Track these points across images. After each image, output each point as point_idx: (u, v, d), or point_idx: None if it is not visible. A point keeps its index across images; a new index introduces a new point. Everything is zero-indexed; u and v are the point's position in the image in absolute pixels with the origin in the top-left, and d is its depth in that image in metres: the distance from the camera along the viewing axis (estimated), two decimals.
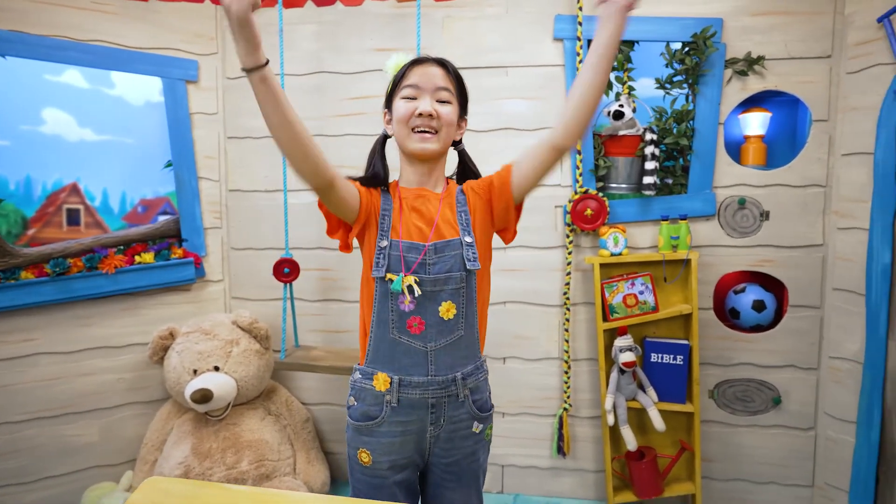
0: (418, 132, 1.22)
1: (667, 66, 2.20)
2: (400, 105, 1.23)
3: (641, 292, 2.16)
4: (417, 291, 1.18)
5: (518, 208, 1.28)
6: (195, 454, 2.10)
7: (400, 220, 1.23)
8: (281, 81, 2.13)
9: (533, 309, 2.32)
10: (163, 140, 2.45)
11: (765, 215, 2.18)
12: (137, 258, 2.27)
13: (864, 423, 2.09)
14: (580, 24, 2.14)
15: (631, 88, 2.25)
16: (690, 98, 2.19)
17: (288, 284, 2.20)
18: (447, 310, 1.22)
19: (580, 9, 2.13)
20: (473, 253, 1.22)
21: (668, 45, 2.17)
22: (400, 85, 1.24)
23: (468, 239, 1.23)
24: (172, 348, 2.21)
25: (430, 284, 1.20)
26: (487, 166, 1.37)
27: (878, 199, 2.02)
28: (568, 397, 2.32)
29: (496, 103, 2.29)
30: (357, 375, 1.28)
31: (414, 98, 1.22)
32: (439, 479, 1.29)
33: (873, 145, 2.01)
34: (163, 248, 2.33)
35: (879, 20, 1.95)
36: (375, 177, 1.27)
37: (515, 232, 1.30)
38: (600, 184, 2.26)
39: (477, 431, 1.28)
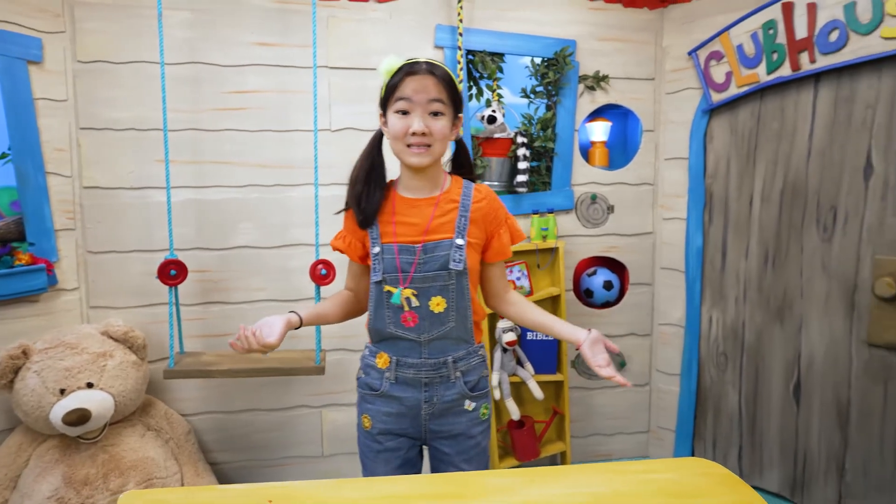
0: (412, 147, 1.27)
1: (531, 77, 2.49)
2: (394, 120, 1.28)
3: (518, 278, 2.43)
4: (415, 303, 1.30)
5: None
6: (69, 484, 1.87)
7: (393, 226, 1.31)
8: (161, 72, 1.98)
9: None
10: None
11: (610, 209, 2.59)
12: None
13: (685, 374, 2.61)
14: (460, 34, 2.33)
15: (500, 96, 2.50)
16: (551, 107, 2.51)
17: (173, 288, 2.05)
18: (437, 304, 1.32)
19: (460, 21, 2.32)
20: (461, 255, 1.30)
21: (532, 60, 2.47)
22: (393, 95, 1.26)
23: (460, 242, 1.30)
24: (27, 368, 1.92)
25: (420, 282, 1.31)
26: None
27: (692, 195, 2.53)
28: None
29: None
30: (366, 351, 1.42)
31: (406, 112, 1.26)
32: (440, 454, 1.40)
33: (688, 152, 2.52)
34: (4, 253, 2.01)
35: (689, 53, 2.45)
36: (371, 175, 1.34)
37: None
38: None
39: (470, 409, 1.39)
